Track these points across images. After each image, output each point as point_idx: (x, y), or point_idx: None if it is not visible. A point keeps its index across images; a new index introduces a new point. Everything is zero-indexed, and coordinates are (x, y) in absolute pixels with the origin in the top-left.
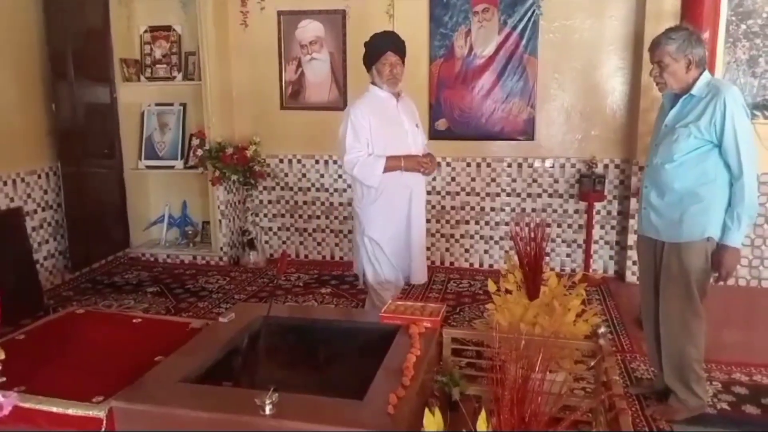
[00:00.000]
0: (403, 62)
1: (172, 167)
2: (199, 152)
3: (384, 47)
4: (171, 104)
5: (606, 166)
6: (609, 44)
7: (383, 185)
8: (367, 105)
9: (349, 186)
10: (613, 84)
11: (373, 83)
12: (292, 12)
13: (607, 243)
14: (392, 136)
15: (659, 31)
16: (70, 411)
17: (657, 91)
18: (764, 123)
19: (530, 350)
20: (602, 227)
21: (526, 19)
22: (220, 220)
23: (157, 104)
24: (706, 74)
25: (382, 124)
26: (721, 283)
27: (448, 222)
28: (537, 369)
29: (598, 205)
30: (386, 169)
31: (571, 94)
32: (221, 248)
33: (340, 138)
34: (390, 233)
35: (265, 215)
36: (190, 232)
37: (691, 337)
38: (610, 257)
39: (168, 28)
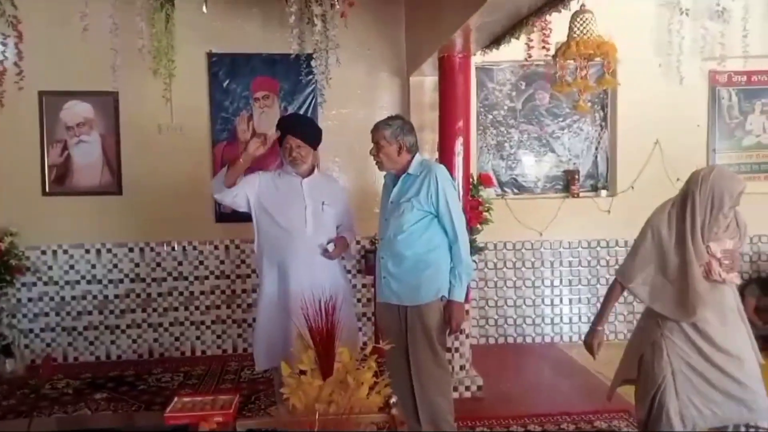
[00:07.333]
0: (312, 144)
1: None
2: None
3: (284, 131)
4: None
5: None
6: None
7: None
8: (274, 175)
9: (127, 275)
10: None
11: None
12: (56, 92)
13: None
14: (286, 205)
15: (422, 119)
16: None
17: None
18: (513, 198)
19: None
20: None
21: (306, 105)
22: None
23: None
24: (418, 156)
25: (280, 193)
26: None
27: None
28: None
29: None
30: (229, 172)
31: (351, 177)
32: None
33: None
34: (260, 306)
35: (25, 315)
36: None
37: (440, 388)
38: None
39: None
